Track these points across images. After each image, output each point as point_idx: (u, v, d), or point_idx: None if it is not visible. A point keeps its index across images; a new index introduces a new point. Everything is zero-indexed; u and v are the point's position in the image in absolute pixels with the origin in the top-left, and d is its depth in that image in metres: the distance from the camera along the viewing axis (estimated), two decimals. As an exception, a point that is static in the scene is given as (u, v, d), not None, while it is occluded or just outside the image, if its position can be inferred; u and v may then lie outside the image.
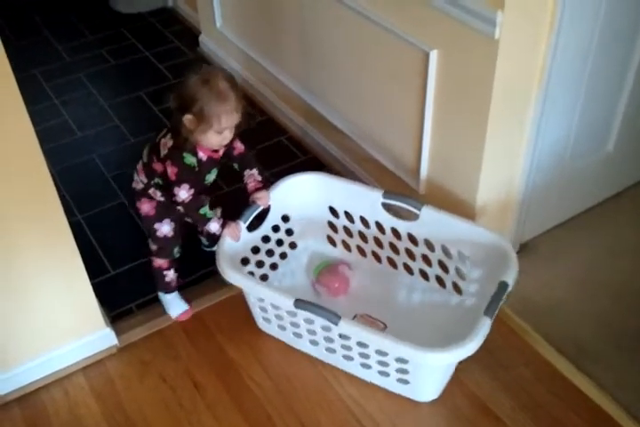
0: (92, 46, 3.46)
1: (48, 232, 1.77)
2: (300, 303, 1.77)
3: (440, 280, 2.11)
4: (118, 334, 2.08)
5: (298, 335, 1.96)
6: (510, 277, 1.80)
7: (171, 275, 2.12)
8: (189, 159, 1.84)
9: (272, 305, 1.88)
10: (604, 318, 2.09)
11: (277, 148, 2.78)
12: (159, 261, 2.09)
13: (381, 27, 2.04)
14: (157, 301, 2.17)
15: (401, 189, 2.34)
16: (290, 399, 1.92)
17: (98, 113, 3.00)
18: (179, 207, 1.93)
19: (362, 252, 2.24)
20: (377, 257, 2.21)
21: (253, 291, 1.90)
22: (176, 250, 2.09)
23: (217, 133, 1.80)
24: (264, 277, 2.15)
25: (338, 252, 2.27)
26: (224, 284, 2.13)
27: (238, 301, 2.12)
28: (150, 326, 2.12)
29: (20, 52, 3.18)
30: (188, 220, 2.04)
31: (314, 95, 2.63)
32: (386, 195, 2.06)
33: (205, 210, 1.92)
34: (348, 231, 2.21)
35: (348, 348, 1.84)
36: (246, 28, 2.92)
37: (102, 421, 1.90)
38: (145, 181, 1.96)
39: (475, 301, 1.99)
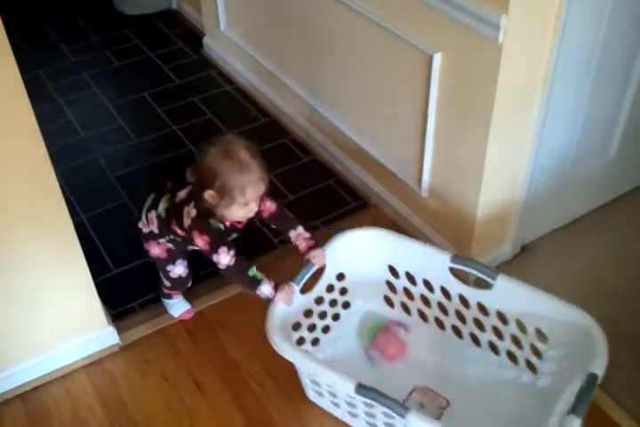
0: (97, 47, 3.48)
1: (52, 231, 1.78)
2: (362, 390, 1.58)
3: (512, 356, 1.92)
4: (120, 332, 2.09)
5: (353, 415, 1.79)
6: (600, 368, 1.60)
7: (178, 296, 2.15)
8: (215, 224, 1.75)
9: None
10: (606, 320, 2.09)
11: (281, 149, 2.79)
12: (171, 292, 2.11)
13: (385, 29, 2.05)
14: (160, 300, 2.18)
15: (403, 191, 2.36)
16: (291, 399, 1.93)
17: (102, 113, 3.02)
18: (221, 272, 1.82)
19: (423, 316, 2.04)
20: (440, 324, 2.01)
21: (310, 370, 1.70)
22: (189, 283, 2.11)
23: (242, 206, 1.69)
24: (315, 342, 1.97)
25: (396, 314, 2.08)
26: (227, 282, 2.15)
27: (241, 299, 2.14)
28: (152, 325, 2.13)
29: (25, 53, 3.19)
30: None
31: (317, 97, 2.64)
32: (454, 259, 1.86)
33: (254, 271, 1.78)
34: (408, 293, 2.02)
35: None
36: (250, 30, 2.94)
37: (104, 419, 1.91)
38: (156, 232, 1.90)
39: (550, 380, 1.84)
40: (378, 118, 2.34)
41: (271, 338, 1.71)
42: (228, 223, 1.78)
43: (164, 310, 2.15)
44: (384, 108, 2.28)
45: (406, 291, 2.02)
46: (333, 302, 2.01)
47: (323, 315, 1.99)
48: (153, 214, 1.89)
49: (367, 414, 1.71)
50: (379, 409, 1.63)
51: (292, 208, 2.00)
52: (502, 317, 1.87)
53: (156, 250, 1.96)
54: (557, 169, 2.17)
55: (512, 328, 1.86)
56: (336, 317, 2.04)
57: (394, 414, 1.57)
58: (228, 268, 1.76)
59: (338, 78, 2.46)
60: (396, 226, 2.39)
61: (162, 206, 1.86)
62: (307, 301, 1.90)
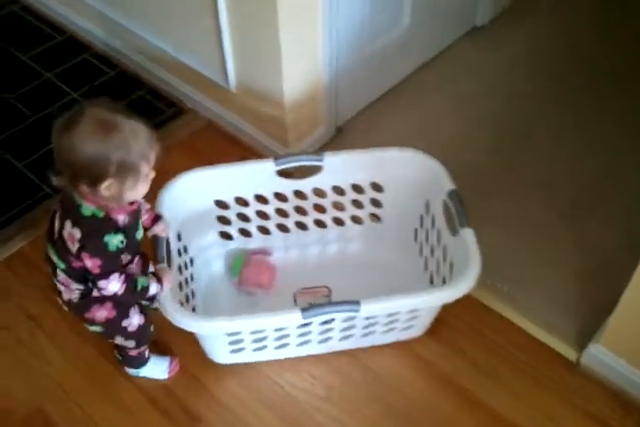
0: None
1: None
2: (308, 312, 1.56)
3: (356, 219, 1.98)
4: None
5: (282, 346, 1.75)
6: (451, 184, 1.74)
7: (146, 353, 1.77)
8: (113, 240, 1.38)
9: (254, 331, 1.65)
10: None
11: (83, 65, 2.61)
12: (141, 349, 1.72)
13: None
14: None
15: (214, 89, 2.28)
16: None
17: None
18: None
19: (264, 231, 1.99)
20: (284, 229, 1.98)
21: (248, 326, 1.61)
22: (152, 328, 1.70)
23: (146, 177, 1.37)
24: (194, 309, 1.81)
25: (237, 243, 2.00)
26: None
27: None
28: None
29: None
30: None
31: (111, 5, 2.46)
32: (277, 162, 1.82)
33: (142, 283, 1.48)
34: (244, 218, 1.95)
35: (352, 327, 1.71)
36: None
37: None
38: (81, 287, 1.50)
39: (394, 221, 1.95)
40: (171, 15, 2.21)
41: (184, 324, 1.56)
42: (125, 217, 1.41)
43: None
44: (176, 5, 2.15)
45: (241, 216, 1.95)
46: (186, 265, 1.84)
47: (187, 282, 1.82)
48: (60, 274, 1.49)
49: (302, 334, 1.70)
50: (316, 322, 1.63)
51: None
52: (339, 190, 1.92)
53: (101, 313, 1.54)
54: (355, 45, 2.14)
55: (350, 195, 1.92)
56: (192, 277, 1.87)
57: (350, 314, 1.59)
58: (117, 295, 1.46)
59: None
60: (212, 126, 2.36)
61: (55, 258, 1.48)
62: (175, 277, 1.69)
